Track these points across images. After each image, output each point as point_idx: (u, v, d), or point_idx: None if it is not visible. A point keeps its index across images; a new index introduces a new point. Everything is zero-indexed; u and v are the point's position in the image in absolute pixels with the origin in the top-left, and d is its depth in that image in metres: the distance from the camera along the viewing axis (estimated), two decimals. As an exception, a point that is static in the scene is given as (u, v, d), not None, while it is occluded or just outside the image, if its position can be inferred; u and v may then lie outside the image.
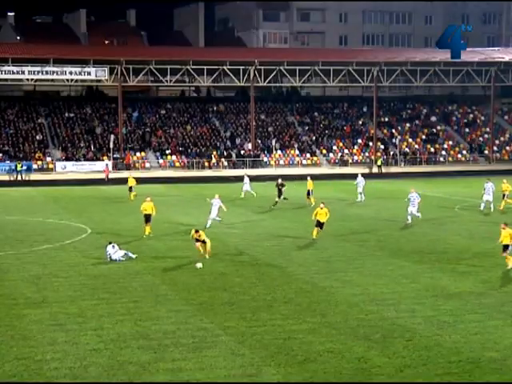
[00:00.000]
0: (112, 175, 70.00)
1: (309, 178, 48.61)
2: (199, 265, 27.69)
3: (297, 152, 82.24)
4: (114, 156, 76.21)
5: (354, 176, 58.15)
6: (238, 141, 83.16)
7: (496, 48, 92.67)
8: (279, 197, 47.17)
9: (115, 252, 29.25)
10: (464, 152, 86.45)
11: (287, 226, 38.88)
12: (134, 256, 29.63)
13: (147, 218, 35.36)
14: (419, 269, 27.81)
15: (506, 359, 17.35)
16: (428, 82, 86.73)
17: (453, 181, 68.05)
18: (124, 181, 55.80)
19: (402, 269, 27.81)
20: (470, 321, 20.58)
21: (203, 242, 29.42)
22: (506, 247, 27.46)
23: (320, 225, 33.97)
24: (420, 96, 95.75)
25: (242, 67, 79.32)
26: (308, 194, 47.88)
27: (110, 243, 29.73)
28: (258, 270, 27.75)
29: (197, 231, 29.65)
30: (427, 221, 40.70)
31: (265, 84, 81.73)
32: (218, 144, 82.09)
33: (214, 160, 78.86)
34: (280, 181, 48.32)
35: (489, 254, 30.52)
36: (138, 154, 78.77)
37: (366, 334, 19.36)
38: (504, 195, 44.65)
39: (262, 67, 79.55)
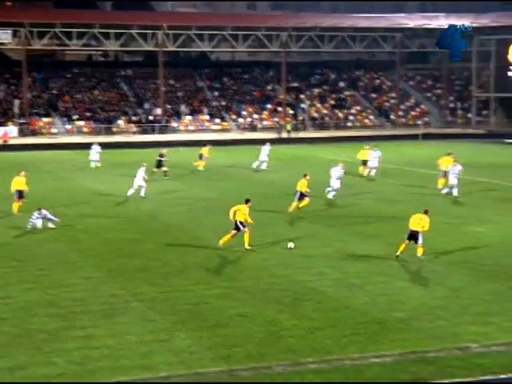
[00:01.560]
0: (17, 141, 68.26)
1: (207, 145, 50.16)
2: (291, 244, 25.52)
3: (207, 117, 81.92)
4: (20, 121, 74.20)
5: (264, 141, 58.39)
6: (146, 106, 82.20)
7: (401, 14, 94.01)
8: (159, 167, 44.50)
9: (37, 218, 28.24)
10: (371, 117, 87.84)
11: (197, 192, 38.76)
12: (56, 219, 28.87)
13: (20, 194, 32.23)
14: (330, 233, 28.23)
15: (411, 319, 17.84)
16: (336, 48, 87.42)
17: (361, 145, 68.99)
18: (30, 147, 54.47)
19: (312, 233, 28.14)
20: (377, 282, 21.05)
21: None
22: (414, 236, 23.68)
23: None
24: (328, 61, 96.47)
25: (150, 31, 78.18)
26: (200, 157, 48.91)
27: (39, 209, 28.59)
28: (170, 235, 27.64)
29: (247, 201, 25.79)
30: (345, 185, 41.17)
31: (174, 49, 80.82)
32: (127, 109, 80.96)
33: (122, 125, 77.77)
34: (163, 151, 46.66)
35: (396, 217, 31.18)
36: (44, 119, 76.91)
37: (277, 298, 19.57)
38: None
39: (171, 31, 78.59)
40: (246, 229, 25.06)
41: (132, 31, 77.70)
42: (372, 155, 45.49)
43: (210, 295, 19.84)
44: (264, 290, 20.38)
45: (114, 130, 77.23)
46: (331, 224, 30.01)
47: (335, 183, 36.28)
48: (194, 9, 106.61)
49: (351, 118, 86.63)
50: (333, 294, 19.98)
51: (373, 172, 44.63)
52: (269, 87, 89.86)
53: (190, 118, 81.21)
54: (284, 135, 78.09)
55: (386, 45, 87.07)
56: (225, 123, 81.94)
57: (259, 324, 17.54)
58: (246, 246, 25.13)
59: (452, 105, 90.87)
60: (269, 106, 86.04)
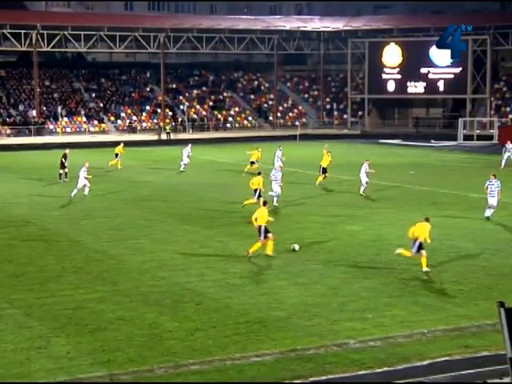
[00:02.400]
0: None
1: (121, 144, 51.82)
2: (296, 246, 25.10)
3: (84, 119, 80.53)
4: None
5: (144, 143, 58.10)
6: (21, 107, 79.99)
7: (278, 16, 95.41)
8: (62, 168, 43.98)
9: None
10: (250, 118, 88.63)
11: (78, 195, 38.06)
12: None
13: None
14: (209, 234, 28.32)
15: (290, 317, 18.13)
16: (214, 49, 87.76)
17: (240, 146, 69.58)
18: None
19: (192, 234, 28.19)
20: (257, 282, 21.29)
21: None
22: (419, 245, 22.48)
23: None
24: (207, 63, 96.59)
25: (23, 31, 76.13)
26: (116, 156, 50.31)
27: None
28: (46, 239, 27.05)
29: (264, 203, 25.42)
30: (216, 186, 41.47)
31: (48, 49, 78.98)
32: (0, 111, 78.53)
33: (-4, 128, 75.42)
34: (67, 151, 46.17)
35: (276, 217, 31.59)
36: None
37: (157, 300, 19.49)
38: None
39: (45, 31, 76.80)
40: (270, 234, 24.11)
41: (4, 31, 75.47)
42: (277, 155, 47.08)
43: (90, 299, 19.55)
44: (144, 292, 20.26)
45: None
46: (210, 225, 30.12)
47: (276, 188, 34.83)
48: (68, 8, 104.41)
49: (230, 119, 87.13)
50: (213, 294, 20.07)
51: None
52: (147, 88, 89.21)
53: (66, 119, 79.60)
54: (163, 137, 77.77)
55: (264, 46, 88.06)
56: (103, 125, 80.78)
57: (140, 327, 17.42)
58: (270, 253, 24.18)
59: (328, 106, 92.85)
60: (148, 107, 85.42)
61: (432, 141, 73.43)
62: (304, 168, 49.20)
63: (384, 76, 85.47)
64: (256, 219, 24.41)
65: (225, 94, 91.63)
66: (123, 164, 50.72)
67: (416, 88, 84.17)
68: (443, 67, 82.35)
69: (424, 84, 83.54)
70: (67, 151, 45.29)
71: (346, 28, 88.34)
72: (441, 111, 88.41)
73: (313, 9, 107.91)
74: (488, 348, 15.78)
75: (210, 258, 24.18)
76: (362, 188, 38.26)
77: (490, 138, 74.08)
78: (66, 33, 77.81)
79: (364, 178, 38.39)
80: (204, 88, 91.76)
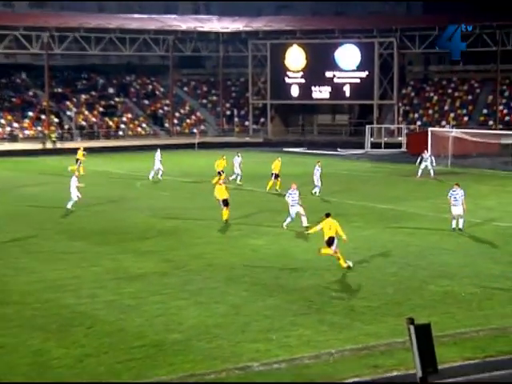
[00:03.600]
0: None
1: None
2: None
3: (-40, 126, 78.45)
4: None
5: (27, 153, 57.00)
6: None
7: (173, 16, 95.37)
8: None
9: None
10: (144, 125, 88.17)
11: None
12: None
13: None
14: (101, 251, 28.01)
15: (190, 339, 18.11)
16: (104, 51, 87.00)
17: (134, 156, 69.16)
18: None
19: (82, 252, 27.83)
20: (153, 302, 21.18)
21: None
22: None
23: None
24: (96, 65, 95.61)
25: None
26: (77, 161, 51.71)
27: None
28: None
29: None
30: (109, 199, 41.05)
31: None
32: None
33: None
34: None
35: (171, 232, 31.63)
36: None
37: (43, 325, 19.14)
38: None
39: None
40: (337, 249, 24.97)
41: None
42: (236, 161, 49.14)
43: (-33, 326, 19.07)
44: (28, 316, 19.87)
45: None
46: (102, 241, 29.81)
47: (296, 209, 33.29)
48: None
49: (122, 126, 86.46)
50: (105, 317, 19.86)
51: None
52: (30, 93, 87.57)
53: None
54: (49, 146, 76.42)
55: (158, 48, 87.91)
56: (-20, 133, 78.81)
57: (23, 355, 17.07)
58: (346, 264, 24.93)
59: (229, 112, 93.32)
60: (31, 113, 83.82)
61: (338, 149, 74.80)
62: (203, 178, 49.27)
63: (287, 80, 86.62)
64: (330, 228, 25.18)
65: (116, 100, 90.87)
66: (4, 176, 49.67)
67: (321, 93, 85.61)
68: (349, 71, 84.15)
69: (329, 89, 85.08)
70: None
71: (246, 29, 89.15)
72: (347, 118, 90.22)
73: (210, 8, 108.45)
74: (398, 367, 16.16)
75: (102, 278, 23.93)
76: (317, 189, 41.00)
77: (399, 145, 75.93)
78: None
79: (317, 181, 41.15)
80: (93, 92, 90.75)
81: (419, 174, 51.32)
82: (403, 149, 74.49)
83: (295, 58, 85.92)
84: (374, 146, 76.21)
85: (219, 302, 21.19)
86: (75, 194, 37.15)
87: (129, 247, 28.73)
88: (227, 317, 19.90)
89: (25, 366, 16.43)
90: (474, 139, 60.92)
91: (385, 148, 75.71)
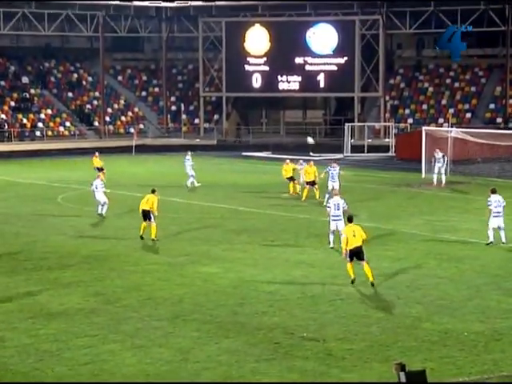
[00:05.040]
0: None
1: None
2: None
3: None
4: None
5: None
6: None
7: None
8: None
9: None
10: (67, 124, 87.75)
11: None
12: None
13: None
14: (11, 282, 27.81)
15: (125, 392, 18.09)
16: (15, 30, 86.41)
17: (54, 162, 68.87)
18: None
19: (-14, 283, 27.65)
20: (79, 347, 21.05)
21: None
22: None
23: None
24: (5, 48, 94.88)
25: None
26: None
27: None
28: None
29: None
30: (21, 217, 40.80)
31: None
32: None
33: None
34: None
35: (101, 258, 31.49)
36: None
37: None
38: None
39: None
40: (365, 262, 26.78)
41: None
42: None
43: None
44: None
45: None
46: (12, 270, 29.61)
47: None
48: None
49: (40, 125, 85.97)
50: (17, 366, 19.69)
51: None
52: None
53: None
54: None
55: (85, 27, 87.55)
56: None
57: None
58: (371, 279, 26.64)
59: (174, 108, 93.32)
60: None
61: (310, 153, 74.97)
62: (140, 190, 49.05)
63: (247, 68, 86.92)
64: (354, 235, 26.79)
65: (32, 92, 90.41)
66: None
67: (289, 84, 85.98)
68: (324, 56, 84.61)
69: (299, 78, 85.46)
70: None
71: (195, 3, 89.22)
72: (321, 114, 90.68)
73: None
74: (385, 425, 16.24)
75: (12, 316, 23.74)
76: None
77: (386, 148, 76.31)
78: None
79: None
80: (2, 82, 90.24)
81: (435, 180, 51.63)
82: (391, 153, 74.99)
83: (257, 40, 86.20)
84: (355, 149, 76.51)
85: (162, 346, 21.12)
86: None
87: (46, 277, 28.52)
88: (173, 364, 19.85)
89: None
90: (479, 140, 61.41)
91: (368, 152, 76.14)
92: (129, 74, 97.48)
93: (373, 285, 26.52)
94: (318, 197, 45.52)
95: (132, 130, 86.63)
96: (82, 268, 29.88)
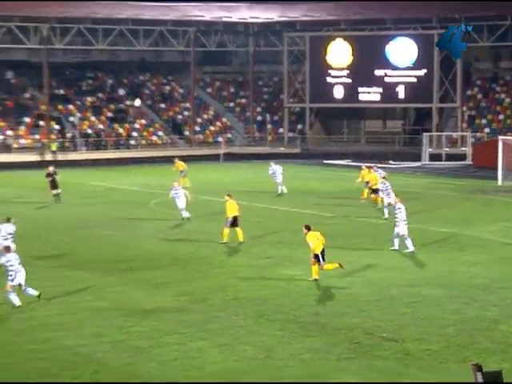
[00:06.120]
0: None
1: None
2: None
3: None
4: None
5: (22, 165, 57.50)
6: None
7: (195, 3, 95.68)
8: (54, 188, 47.20)
9: None
10: (160, 133, 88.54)
11: None
12: None
13: None
14: (105, 282, 28.11)
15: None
16: (113, 45, 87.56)
17: (147, 169, 69.50)
18: None
19: (83, 283, 27.92)
20: (168, 344, 21.18)
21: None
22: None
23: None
24: (103, 63, 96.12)
25: None
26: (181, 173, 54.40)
27: None
28: None
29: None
30: (115, 221, 41.21)
31: None
32: None
33: None
34: (52, 169, 47.87)
35: (189, 260, 31.65)
36: None
37: (41, 369, 19.22)
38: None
39: None
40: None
41: None
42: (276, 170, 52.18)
43: (-52, 370, 19.21)
44: (22, 360, 19.96)
45: None
46: (106, 271, 29.91)
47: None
48: None
49: (135, 134, 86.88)
50: (112, 360, 19.89)
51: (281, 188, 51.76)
52: (26, 95, 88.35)
53: None
54: (48, 157, 76.95)
55: (177, 42, 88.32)
56: (-33, 142, 79.64)
57: (17, 404, 17.20)
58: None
59: (260, 118, 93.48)
60: (27, 119, 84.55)
61: (390, 161, 74.56)
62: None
63: (329, 80, 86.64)
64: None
65: (127, 103, 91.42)
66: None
67: (369, 95, 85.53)
68: (403, 69, 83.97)
69: (379, 90, 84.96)
70: (51, 168, 48.02)
71: (281, 19, 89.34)
72: (400, 124, 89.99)
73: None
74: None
75: (107, 314, 23.98)
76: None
77: (463, 157, 75.58)
78: None
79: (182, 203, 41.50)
80: (100, 95, 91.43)
81: None
82: (468, 161, 74.16)
83: (339, 53, 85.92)
84: (433, 157, 75.88)
85: (247, 344, 21.13)
86: (183, 203, 40.97)
87: (138, 278, 28.77)
88: (257, 361, 19.85)
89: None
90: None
91: (446, 160, 75.41)
92: (217, 86, 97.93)
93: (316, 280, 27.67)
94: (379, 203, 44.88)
95: (220, 138, 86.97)
96: (171, 269, 30.09)
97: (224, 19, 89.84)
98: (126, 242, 35.61)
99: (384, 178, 44.75)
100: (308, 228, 28.32)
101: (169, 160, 71.65)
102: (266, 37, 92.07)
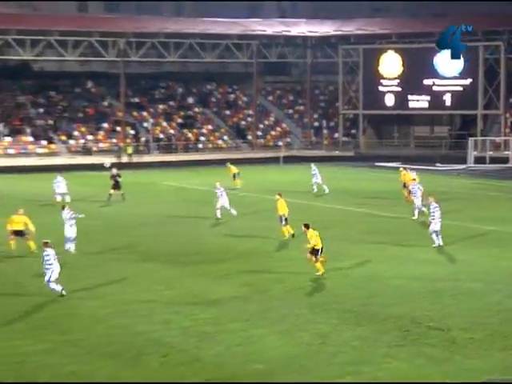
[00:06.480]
0: None
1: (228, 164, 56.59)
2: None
3: (30, 139, 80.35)
4: None
5: (100, 167, 58.14)
6: (-45, 125, 79.88)
7: (257, 19, 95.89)
8: (116, 188, 47.39)
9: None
10: (225, 137, 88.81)
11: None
12: None
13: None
14: (175, 273, 28.30)
15: (273, 371, 18.12)
16: (183, 57, 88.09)
17: (213, 170, 69.69)
18: None
19: (155, 274, 28.17)
20: (232, 330, 21.28)
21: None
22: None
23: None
24: (174, 73, 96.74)
25: (-41, 35, 76.19)
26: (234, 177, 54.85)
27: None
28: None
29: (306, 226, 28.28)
30: (183, 218, 41.45)
31: (-12, 57, 79.09)
32: None
33: None
34: (115, 171, 47.96)
35: (251, 254, 31.74)
36: None
37: (117, 352, 19.43)
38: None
39: (-15, 36, 76.94)
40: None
41: None
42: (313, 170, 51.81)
43: (36, 351, 19.50)
44: (101, 343, 20.20)
45: None
46: (175, 263, 30.10)
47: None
48: (12, 9, 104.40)
49: (202, 138, 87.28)
50: (181, 345, 20.03)
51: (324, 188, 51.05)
52: (105, 103, 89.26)
53: (9, 139, 79.38)
54: (125, 159, 77.70)
55: (241, 54, 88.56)
56: (52, 146, 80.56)
57: (96, 384, 17.40)
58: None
59: (316, 123, 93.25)
60: (105, 125, 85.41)
61: (437, 164, 73.97)
62: (287, 196, 49.26)
63: (381, 88, 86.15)
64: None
65: (196, 110, 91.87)
66: (77, 192, 50.66)
67: (418, 102, 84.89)
68: (450, 78, 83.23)
69: (428, 98, 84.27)
70: (114, 171, 48.31)
71: (336, 33, 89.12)
72: (447, 129, 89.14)
73: (298, 11, 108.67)
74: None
75: (177, 302, 24.16)
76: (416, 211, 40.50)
77: (505, 160, 74.70)
78: (9, 38, 77.87)
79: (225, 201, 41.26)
80: (171, 102, 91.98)
81: None
82: (510, 164, 73.28)
83: (390, 64, 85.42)
84: (478, 160, 75.08)
85: (304, 331, 21.15)
86: (225, 201, 40.70)
87: (204, 270, 28.92)
88: (312, 346, 19.86)
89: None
90: None
91: (489, 163, 74.52)
92: (278, 94, 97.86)
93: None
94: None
95: (280, 143, 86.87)
96: (234, 262, 30.17)
97: (284, 33, 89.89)
98: (193, 238, 35.78)
99: (413, 179, 43.63)
100: (307, 226, 28.03)
101: (234, 162, 71.97)
102: (323, 49, 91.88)
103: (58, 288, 24.75)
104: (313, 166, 52.51)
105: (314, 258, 27.73)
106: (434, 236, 32.74)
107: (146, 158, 79.29)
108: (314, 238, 27.65)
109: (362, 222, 40.13)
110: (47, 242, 25.16)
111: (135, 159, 77.90)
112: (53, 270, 24.61)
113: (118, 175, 47.98)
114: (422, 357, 19.10)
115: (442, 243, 32.44)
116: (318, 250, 27.61)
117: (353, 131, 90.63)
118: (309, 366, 18.41)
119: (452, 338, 20.56)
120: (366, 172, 69.76)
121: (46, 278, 24.61)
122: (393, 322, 21.98)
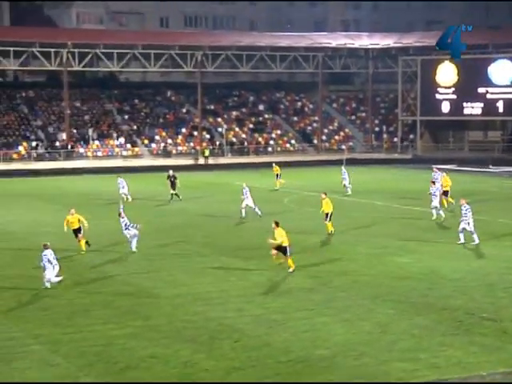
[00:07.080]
0: None
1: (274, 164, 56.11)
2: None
3: (116, 142, 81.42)
4: None
5: (179, 168, 58.57)
6: (50, 130, 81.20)
7: (323, 33, 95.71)
8: (174, 189, 47.50)
9: None
10: (293, 141, 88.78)
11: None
12: None
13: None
14: (247, 265, 28.33)
15: (336, 356, 18.02)
16: (254, 68, 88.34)
17: (282, 172, 69.56)
18: None
19: (229, 266, 28.23)
20: (299, 318, 21.21)
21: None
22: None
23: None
24: (246, 83, 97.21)
25: (53, 49, 77.44)
26: (277, 176, 54.70)
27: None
28: (73, 271, 27.23)
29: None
30: (254, 215, 41.46)
31: (79, 68, 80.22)
32: (28, 134, 79.77)
33: (23, 151, 76.55)
34: (171, 172, 48.28)
35: (318, 249, 31.61)
36: None
37: (192, 337, 19.52)
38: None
39: (76, 50, 78.06)
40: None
41: (33, 49, 76.80)
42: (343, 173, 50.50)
43: (120, 335, 19.66)
44: (178, 328, 20.31)
45: (14, 156, 75.95)
46: (248, 256, 30.12)
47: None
48: (100, 25, 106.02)
49: (271, 142, 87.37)
50: (252, 331, 20.04)
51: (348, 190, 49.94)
52: (183, 110, 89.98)
53: (97, 143, 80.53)
54: (201, 161, 78.13)
55: (308, 65, 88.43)
56: (136, 149, 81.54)
57: (173, 366, 17.45)
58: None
59: (377, 129, 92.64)
60: (183, 130, 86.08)
61: (490, 166, 72.83)
62: (352, 196, 49.12)
63: (438, 96, 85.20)
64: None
65: (266, 116, 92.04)
66: (158, 191, 51.06)
67: (473, 109, 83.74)
68: (503, 86, 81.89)
69: (481, 105, 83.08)
70: (171, 172, 48.31)
71: (396, 45, 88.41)
72: (500, 134, 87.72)
73: (360, 25, 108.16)
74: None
75: (248, 292, 24.17)
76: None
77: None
78: (97, 51, 79.01)
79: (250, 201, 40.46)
80: (243, 109, 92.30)
81: None
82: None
83: (446, 73, 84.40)
84: (528, 163, 73.79)
85: (365, 320, 20.99)
86: (250, 202, 40.15)
87: (274, 262, 28.83)
88: (373, 335, 19.69)
89: (174, 377, 16.80)
90: None
91: (540, 165, 73.18)
92: (341, 102, 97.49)
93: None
94: (445, 205, 42.45)
95: (343, 146, 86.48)
96: (301, 256, 29.92)
97: (347, 45, 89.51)
98: (263, 233, 35.69)
99: (433, 182, 41.26)
100: (277, 224, 26.98)
101: (300, 164, 71.93)
102: (383, 60, 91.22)
103: (52, 281, 24.61)
104: (343, 168, 51.62)
105: (278, 254, 26.99)
106: (461, 235, 31.97)
107: (221, 160, 79.67)
108: (281, 236, 26.69)
109: (419, 219, 39.64)
110: (46, 244, 24.99)
111: (211, 161, 78.36)
112: (50, 268, 24.44)
113: (174, 176, 48.07)
114: (475, 345, 18.79)
115: (477, 241, 31.61)
116: (285, 248, 26.78)
117: (411, 136, 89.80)
118: (370, 353, 18.24)
119: (504, 328, 20.19)
120: (422, 173, 68.86)
121: (46, 277, 24.53)
122: (448, 312, 21.68)
